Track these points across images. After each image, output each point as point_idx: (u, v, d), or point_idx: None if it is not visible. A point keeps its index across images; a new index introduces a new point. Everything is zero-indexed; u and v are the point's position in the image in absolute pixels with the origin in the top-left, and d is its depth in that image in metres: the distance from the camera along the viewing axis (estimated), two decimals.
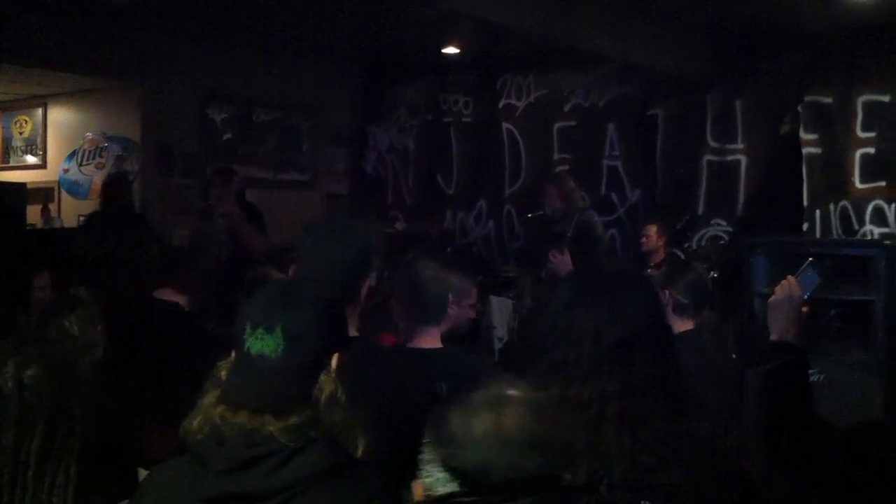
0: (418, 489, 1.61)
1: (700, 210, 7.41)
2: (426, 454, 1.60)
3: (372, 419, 1.84)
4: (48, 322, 3.17)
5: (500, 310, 6.59)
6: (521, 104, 8.58)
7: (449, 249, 7.64)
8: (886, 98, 6.60)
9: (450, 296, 3.11)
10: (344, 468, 1.70)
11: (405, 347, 3.04)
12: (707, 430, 2.28)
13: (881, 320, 3.48)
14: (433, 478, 1.56)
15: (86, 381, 2.03)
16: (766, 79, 7.12)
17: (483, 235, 8.83)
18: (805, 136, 6.90)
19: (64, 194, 8.72)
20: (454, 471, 1.54)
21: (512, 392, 1.58)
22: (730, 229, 7.18)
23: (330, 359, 1.78)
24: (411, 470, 2.25)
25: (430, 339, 3.04)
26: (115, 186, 6.85)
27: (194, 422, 1.72)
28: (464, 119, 9.07)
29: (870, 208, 6.69)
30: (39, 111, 9.03)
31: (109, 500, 2.09)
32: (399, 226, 9.01)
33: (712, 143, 7.40)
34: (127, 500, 2.07)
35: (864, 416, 3.08)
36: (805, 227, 6.79)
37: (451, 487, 1.54)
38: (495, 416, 1.53)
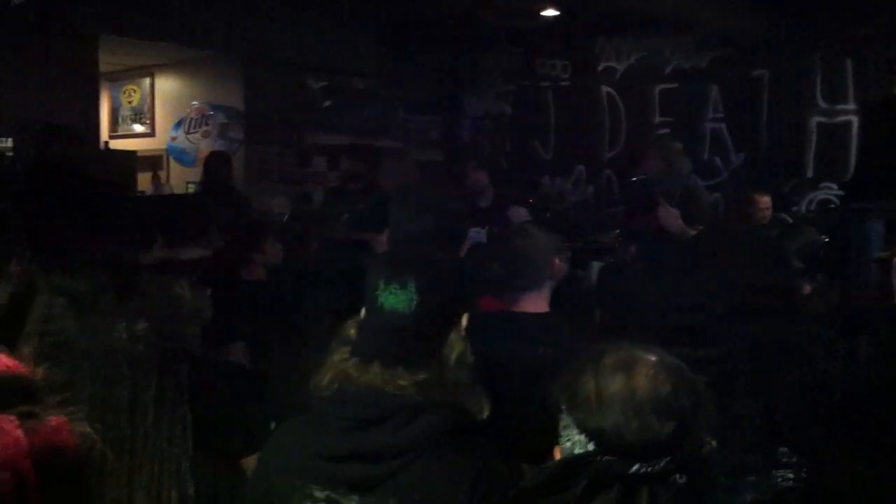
0: (557, 454, 1.61)
1: (809, 173, 7.18)
2: (563, 420, 1.59)
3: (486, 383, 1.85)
4: (157, 284, 3.28)
5: None
6: (620, 67, 8.43)
7: (547, 215, 7.58)
8: None
9: (554, 259, 3.10)
10: (466, 431, 1.72)
11: (510, 311, 3.04)
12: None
13: None
14: (571, 441, 1.56)
15: (193, 341, 2.09)
16: (878, 36, 6.82)
17: (581, 201, 8.75)
18: None
19: (171, 162, 8.96)
20: (590, 433, 1.54)
21: (643, 354, 1.57)
22: (840, 193, 6.93)
23: (460, 318, 1.80)
24: (522, 434, 2.25)
25: (535, 304, 3.03)
26: (215, 163, 6.97)
27: (325, 378, 1.76)
28: (561, 83, 8.96)
29: None
30: (147, 81, 9.26)
31: (231, 454, 2.15)
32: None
33: (822, 104, 7.15)
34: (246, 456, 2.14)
35: None
36: None
37: (588, 448, 1.54)
38: (627, 379, 1.52)
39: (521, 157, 9.32)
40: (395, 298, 1.73)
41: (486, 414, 1.76)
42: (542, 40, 8.96)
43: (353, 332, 1.80)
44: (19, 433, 0.96)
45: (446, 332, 1.75)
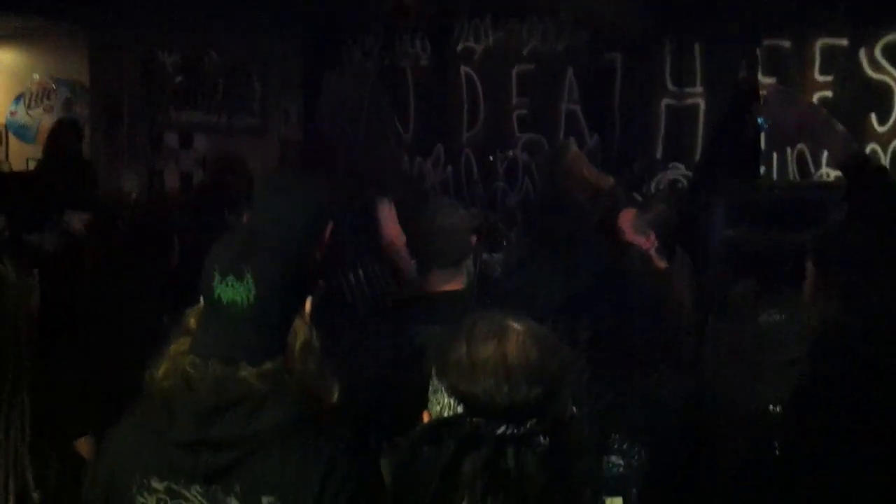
0: (426, 418, 1.65)
1: (658, 154, 7.42)
2: (432, 385, 1.64)
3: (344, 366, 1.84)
4: None
5: None
6: (479, 47, 8.49)
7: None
8: (844, 42, 6.62)
9: (472, 237, 3.06)
10: (316, 417, 1.69)
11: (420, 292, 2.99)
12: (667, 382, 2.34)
13: None
14: (440, 405, 1.61)
15: (28, 321, 1.98)
16: (725, 22, 7.09)
17: (441, 181, 8.77)
18: (763, 79, 6.91)
19: (12, 138, 8.53)
20: (461, 396, 1.59)
21: (513, 323, 1.64)
22: (688, 173, 7.19)
23: (303, 305, 1.77)
24: (384, 416, 2.25)
25: (451, 282, 2.96)
26: (62, 134, 6.62)
27: (160, 370, 1.70)
28: (421, 62, 8.95)
29: (827, 152, 6.75)
30: None
31: (68, 437, 2.06)
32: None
33: (671, 87, 7.39)
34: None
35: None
36: (762, 170, 6.83)
37: (457, 411, 1.59)
38: (498, 345, 1.59)
39: (381, 135, 9.27)
40: (233, 291, 1.65)
41: (335, 398, 1.74)
42: (401, 19, 8.92)
43: (192, 321, 1.74)
44: None
45: (289, 321, 1.72)
